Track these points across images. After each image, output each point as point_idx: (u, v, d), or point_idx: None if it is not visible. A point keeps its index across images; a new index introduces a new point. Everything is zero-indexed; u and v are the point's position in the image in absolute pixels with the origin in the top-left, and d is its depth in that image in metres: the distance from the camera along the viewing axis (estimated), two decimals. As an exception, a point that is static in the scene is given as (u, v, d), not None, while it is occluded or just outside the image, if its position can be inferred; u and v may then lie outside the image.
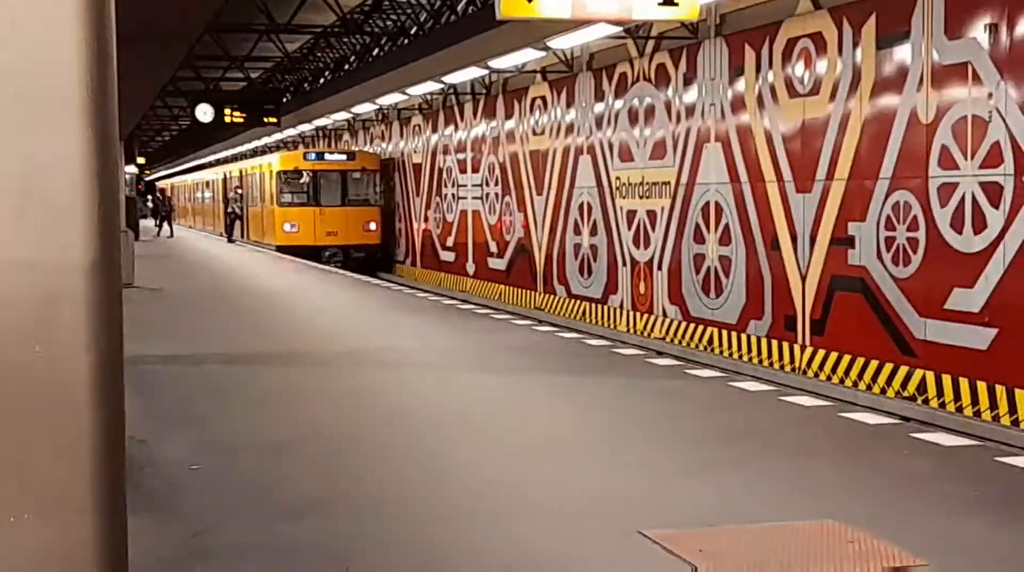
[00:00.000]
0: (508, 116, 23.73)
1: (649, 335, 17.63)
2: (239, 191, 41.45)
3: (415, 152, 30.92)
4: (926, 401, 11.98)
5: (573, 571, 5.40)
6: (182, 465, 7.44)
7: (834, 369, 13.50)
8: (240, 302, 19.22)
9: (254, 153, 46.37)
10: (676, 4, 10.00)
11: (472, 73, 20.65)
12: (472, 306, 18.80)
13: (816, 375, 13.71)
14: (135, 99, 20.64)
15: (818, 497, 6.54)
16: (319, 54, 36.55)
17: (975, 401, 11.36)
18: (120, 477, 2.65)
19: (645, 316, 18.05)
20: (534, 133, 22.35)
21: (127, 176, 38.71)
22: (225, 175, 46.47)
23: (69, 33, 2.51)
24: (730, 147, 15.58)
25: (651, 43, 17.58)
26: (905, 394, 12.30)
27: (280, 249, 32.88)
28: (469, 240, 26.36)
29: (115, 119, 2.64)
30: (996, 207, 11.08)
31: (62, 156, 2.52)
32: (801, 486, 6.82)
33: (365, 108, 29.45)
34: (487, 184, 25.02)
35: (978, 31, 11.24)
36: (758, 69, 14.89)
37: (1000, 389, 11.06)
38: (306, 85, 39.44)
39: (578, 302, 20.43)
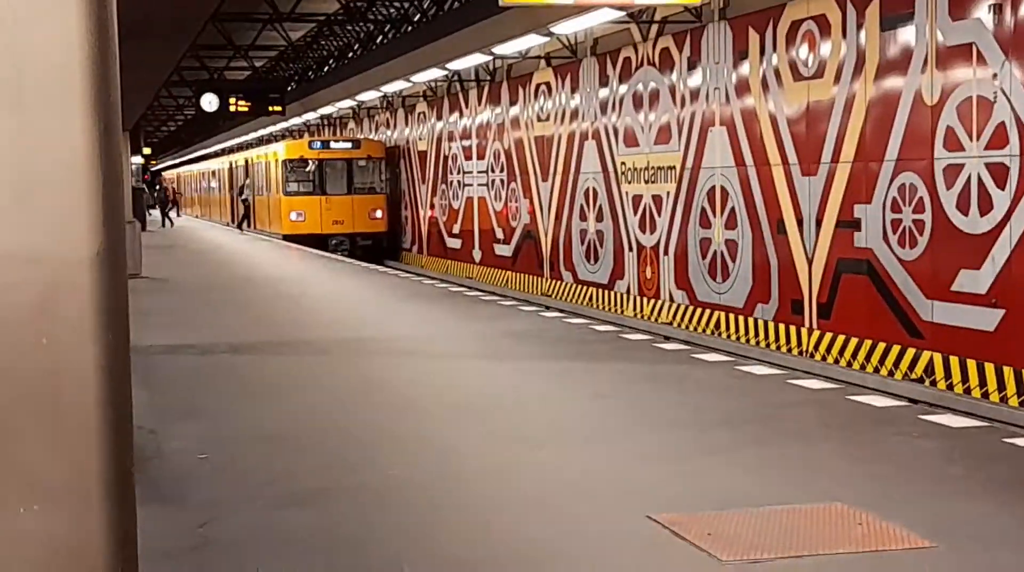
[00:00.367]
0: (513, 102, 23.70)
1: (656, 320, 17.62)
2: (248, 181, 41.42)
3: (420, 139, 30.90)
4: (934, 383, 11.97)
5: (581, 557, 5.41)
6: (190, 455, 7.46)
7: (841, 352, 13.49)
8: (247, 291, 19.23)
9: (260, 142, 46.34)
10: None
11: (476, 59, 20.63)
12: (479, 293, 18.81)
13: (824, 358, 13.70)
14: (139, 89, 20.64)
15: (826, 480, 6.54)
16: (323, 42, 36.52)
17: (983, 382, 11.35)
18: (128, 467, 2.65)
19: (652, 301, 18.04)
20: (539, 119, 22.32)
21: (133, 167, 38.70)
22: (231, 165, 46.46)
23: (71, 22, 2.51)
24: (735, 131, 15.55)
25: (655, 27, 17.54)
26: (913, 376, 12.29)
27: (287, 238, 32.87)
28: (475, 227, 26.36)
29: (118, 109, 2.64)
30: (1002, 188, 11.05)
31: (66, 147, 2.52)
32: (809, 469, 6.82)
33: (370, 96, 29.44)
34: (492, 171, 25.00)
35: (982, 11, 11.20)
36: (762, 52, 14.85)
37: (1008, 370, 11.05)
38: (310, 74, 39.43)
39: (585, 288, 20.43)
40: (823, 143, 13.68)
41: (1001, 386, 11.12)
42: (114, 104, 2.61)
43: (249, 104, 27.26)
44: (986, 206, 11.26)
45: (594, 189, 19.94)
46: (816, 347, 13.96)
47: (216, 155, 58.18)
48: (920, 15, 12.03)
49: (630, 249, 18.73)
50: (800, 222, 14.18)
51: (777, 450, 7.28)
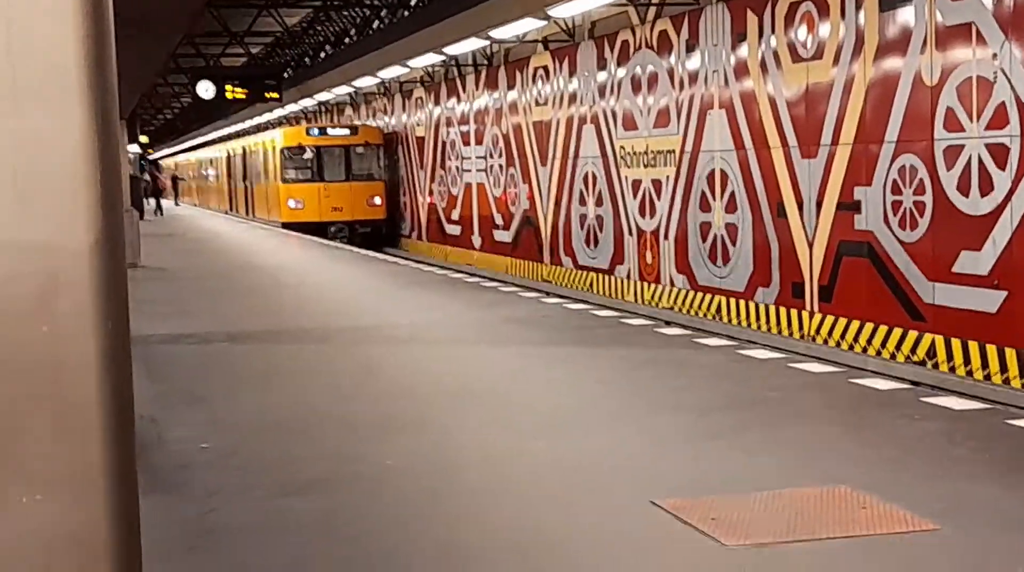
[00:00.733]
0: (510, 87, 23.65)
1: (657, 305, 17.62)
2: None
3: (418, 125, 30.85)
4: (936, 365, 11.96)
5: (584, 543, 5.40)
6: (192, 443, 7.45)
7: (843, 335, 13.48)
8: (246, 279, 19.22)
9: (257, 129, 46.28)
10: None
11: (473, 44, 20.56)
12: (479, 279, 18.79)
13: (825, 342, 13.69)
14: (135, 77, 20.59)
15: (829, 463, 6.53)
16: (319, 27, 36.44)
17: (985, 364, 11.35)
18: (130, 457, 2.64)
19: (652, 286, 18.03)
20: (537, 103, 22.27)
21: (130, 155, 38.67)
22: (229, 153, 46.40)
23: (68, 9, 2.49)
24: (734, 114, 15.51)
25: (652, 10, 17.49)
26: (915, 359, 12.28)
27: (286, 226, 32.84)
28: (474, 213, 26.33)
29: (115, 97, 2.62)
30: (1003, 169, 11.02)
31: (62, 135, 2.50)
32: (812, 452, 6.82)
33: (367, 82, 29.37)
34: (491, 156, 24.96)
35: (982, -8, 11.16)
36: (760, 34, 14.80)
37: (1010, 352, 11.04)
38: (307, 59, 39.35)
39: (585, 273, 20.42)
40: (823, 125, 13.65)
41: (1003, 368, 11.11)
42: (111, 92, 2.59)
43: (246, 91, 27.19)
44: (987, 187, 11.23)
45: (593, 174, 19.91)
46: (817, 330, 13.95)
47: (214, 143, 58.12)
48: (919, -4, 11.99)
49: (630, 234, 18.71)
50: (800, 205, 14.15)
51: (779, 434, 7.27)
